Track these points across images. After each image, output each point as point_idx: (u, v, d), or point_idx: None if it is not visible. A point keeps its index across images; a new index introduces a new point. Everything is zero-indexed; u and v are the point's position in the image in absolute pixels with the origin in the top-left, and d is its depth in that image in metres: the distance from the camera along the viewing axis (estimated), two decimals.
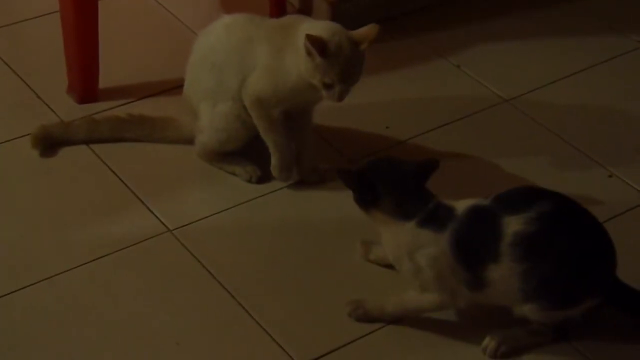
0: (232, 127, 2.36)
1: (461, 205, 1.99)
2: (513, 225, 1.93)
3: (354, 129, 2.58)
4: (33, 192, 2.38)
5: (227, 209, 2.34)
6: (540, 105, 2.69)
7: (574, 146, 2.56)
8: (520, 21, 3.01)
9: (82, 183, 2.40)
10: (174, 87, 2.60)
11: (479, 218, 1.96)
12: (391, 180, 2.01)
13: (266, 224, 2.32)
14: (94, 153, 2.46)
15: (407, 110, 2.67)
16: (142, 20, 2.96)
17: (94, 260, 2.19)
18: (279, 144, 2.35)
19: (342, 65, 2.19)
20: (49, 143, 2.46)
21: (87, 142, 2.48)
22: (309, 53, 2.18)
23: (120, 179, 2.40)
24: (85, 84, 2.61)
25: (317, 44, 2.16)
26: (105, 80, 2.64)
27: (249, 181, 2.41)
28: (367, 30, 2.22)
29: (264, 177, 2.40)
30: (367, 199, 2.02)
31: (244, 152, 2.42)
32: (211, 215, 2.32)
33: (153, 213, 2.32)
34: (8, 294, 2.12)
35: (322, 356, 2.02)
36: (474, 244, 1.95)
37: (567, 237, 1.94)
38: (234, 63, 2.31)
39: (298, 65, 2.22)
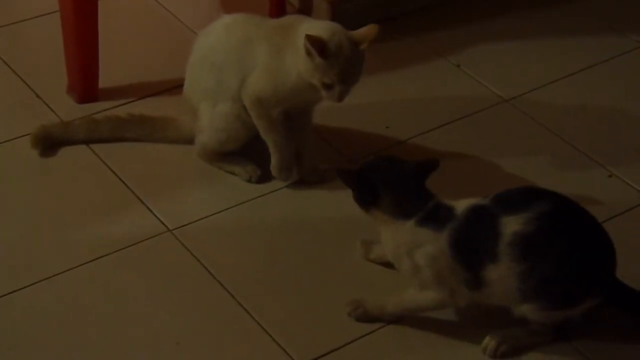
0: (232, 127, 2.36)
1: (460, 205, 1.99)
2: (512, 225, 1.93)
3: (354, 129, 2.58)
4: (33, 192, 2.38)
5: (227, 208, 2.34)
6: (540, 105, 2.70)
7: (573, 146, 2.56)
8: (520, 21, 3.01)
9: (82, 183, 2.40)
10: (174, 87, 2.60)
11: (478, 218, 1.96)
12: (391, 179, 2.01)
13: (266, 224, 2.32)
14: (94, 153, 2.46)
15: (407, 110, 2.67)
16: (142, 20, 2.96)
17: (93, 260, 2.20)
18: (279, 144, 2.35)
19: (341, 66, 2.19)
20: (49, 143, 2.46)
21: (87, 142, 2.48)
22: (308, 53, 2.18)
23: (120, 178, 2.40)
24: (85, 83, 2.61)
25: (316, 44, 2.16)
26: (105, 80, 2.64)
27: (249, 181, 2.41)
28: (367, 30, 2.22)
29: (264, 177, 2.40)
30: (367, 199, 2.02)
31: (243, 152, 2.42)
32: (211, 215, 2.32)
33: (153, 213, 2.32)
34: (8, 293, 2.12)
35: (322, 356, 2.03)
36: (472, 244, 1.95)
37: (566, 237, 1.94)
38: (233, 63, 2.31)
39: (298, 65, 2.22)
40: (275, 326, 2.07)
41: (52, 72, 2.66)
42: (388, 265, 2.12)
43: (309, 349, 2.03)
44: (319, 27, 2.24)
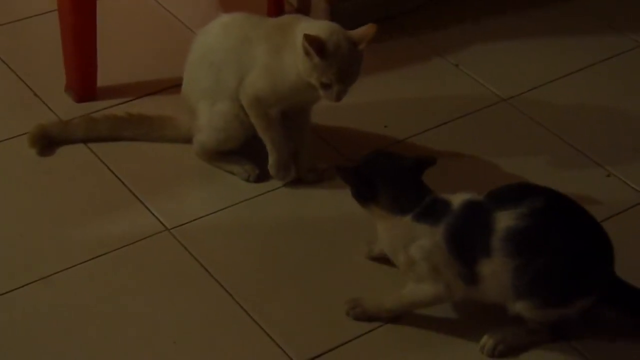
0: (230, 126, 2.36)
1: (457, 199, 1.99)
2: (505, 220, 1.93)
3: (352, 128, 2.57)
4: (31, 191, 2.38)
5: (225, 207, 2.34)
6: (539, 105, 2.69)
7: (572, 145, 2.56)
8: (519, 20, 3.01)
9: (80, 182, 2.40)
10: (173, 86, 2.60)
11: (473, 213, 1.97)
12: (388, 175, 2.01)
13: (264, 223, 2.32)
14: (92, 152, 2.46)
15: (405, 109, 2.67)
16: (141, 19, 2.96)
17: (92, 259, 2.19)
18: (277, 143, 2.35)
19: (340, 65, 2.18)
20: (47, 142, 2.46)
21: (85, 141, 2.48)
22: (307, 53, 2.18)
23: (118, 177, 2.40)
24: (84, 82, 2.61)
25: (315, 44, 2.16)
26: (104, 79, 2.64)
27: (247, 180, 2.41)
28: (365, 30, 2.22)
29: (262, 176, 2.40)
30: (365, 195, 2.02)
31: (242, 151, 2.42)
32: (209, 214, 2.32)
33: (151, 212, 2.32)
34: (6, 292, 2.11)
35: (320, 355, 2.02)
36: (467, 239, 1.96)
37: (559, 234, 1.94)
38: (232, 62, 2.31)
39: (296, 64, 2.22)
40: (273, 325, 2.07)
41: (51, 71, 2.66)
42: (389, 262, 2.12)
43: (307, 348, 2.03)
44: (317, 26, 2.24)
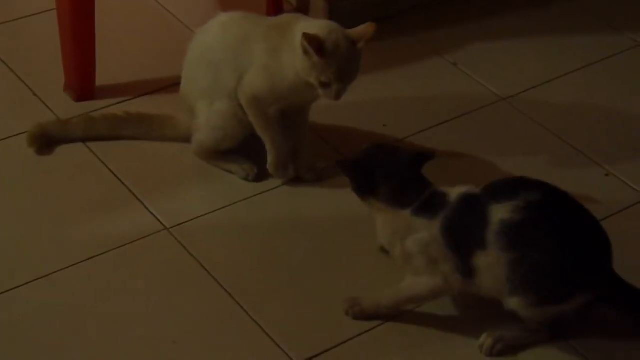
0: (229, 125, 2.36)
1: (454, 192, 1.99)
2: (500, 213, 1.93)
3: (351, 127, 2.57)
4: (30, 191, 2.37)
5: (224, 207, 2.34)
6: (537, 104, 2.69)
7: (570, 145, 2.56)
8: (518, 19, 3.01)
9: (79, 181, 2.40)
10: (171, 85, 2.60)
11: (469, 205, 1.97)
12: (389, 169, 2.01)
13: (263, 222, 2.32)
14: (91, 151, 2.46)
15: (404, 108, 2.67)
16: (139, 18, 2.96)
17: (90, 258, 2.19)
18: (276, 142, 2.35)
19: (339, 64, 2.18)
20: (46, 141, 2.46)
21: (84, 140, 2.48)
22: (305, 52, 2.18)
23: (117, 177, 2.40)
24: (82, 81, 2.61)
25: (314, 43, 2.16)
26: (103, 78, 2.64)
27: (246, 179, 2.41)
28: (364, 29, 2.22)
29: (261, 175, 2.40)
30: (365, 188, 2.02)
31: (240, 150, 2.42)
32: (208, 213, 2.32)
33: (150, 211, 2.31)
34: (5, 291, 2.11)
35: (319, 354, 2.02)
36: (463, 231, 1.96)
37: (555, 228, 1.94)
38: (230, 61, 2.31)
39: (295, 64, 2.22)
40: (272, 325, 2.07)
41: (49, 70, 2.66)
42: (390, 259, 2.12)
43: (306, 347, 2.03)
44: (316, 25, 2.24)
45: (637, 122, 2.67)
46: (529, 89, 2.74)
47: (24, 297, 2.11)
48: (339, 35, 2.20)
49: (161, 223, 2.29)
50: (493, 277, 1.96)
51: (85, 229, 2.27)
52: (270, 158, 2.37)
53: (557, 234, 1.94)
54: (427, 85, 2.75)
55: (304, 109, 2.40)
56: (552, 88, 2.76)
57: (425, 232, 1.97)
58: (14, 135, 2.49)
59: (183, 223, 2.29)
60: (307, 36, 2.15)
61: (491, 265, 1.94)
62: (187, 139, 2.44)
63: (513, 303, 1.97)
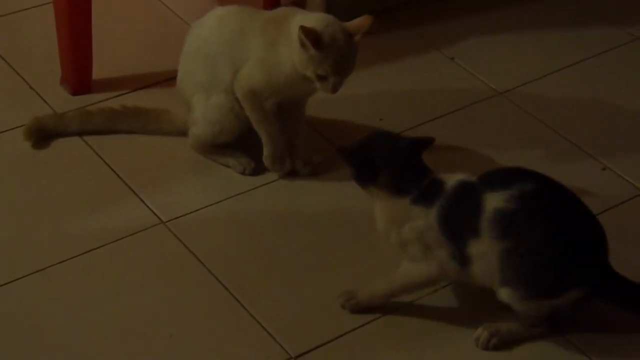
0: (225, 119, 2.36)
1: (452, 179, 1.99)
2: (494, 201, 1.93)
3: (348, 121, 2.57)
4: (26, 184, 2.37)
5: (221, 200, 2.34)
6: (534, 98, 2.69)
7: (567, 139, 2.56)
8: (515, 13, 3.01)
9: (75, 175, 2.40)
10: (168, 79, 2.59)
11: (465, 193, 1.97)
12: (389, 157, 2.01)
13: (260, 216, 2.32)
14: (87, 145, 2.46)
15: (400, 102, 2.67)
16: (136, 12, 2.96)
17: (87, 252, 2.19)
18: (272, 135, 2.35)
19: (335, 57, 2.18)
20: (42, 135, 2.46)
21: (81, 133, 2.48)
22: (302, 45, 2.18)
23: (113, 170, 2.40)
24: (79, 75, 2.60)
25: (310, 36, 2.16)
26: (99, 71, 2.63)
27: (243, 173, 2.41)
28: (360, 22, 2.22)
29: (258, 169, 2.40)
30: (365, 176, 2.02)
31: (237, 144, 2.41)
32: (204, 207, 2.32)
33: (146, 205, 2.31)
34: (2, 285, 2.11)
35: (316, 348, 2.02)
36: (458, 219, 1.96)
37: (548, 219, 1.93)
38: (227, 55, 2.31)
39: (291, 57, 2.22)
40: (269, 318, 2.07)
41: (46, 64, 2.66)
42: (390, 252, 2.12)
43: (303, 340, 2.03)
44: (313, 18, 2.23)
45: (634, 116, 2.67)
46: (526, 83, 2.74)
47: (20, 291, 2.11)
48: (336, 28, 2.20)
49: (158, 217, 2.28)
50: (486, 265, 1.95)
51: (81, 223, 2.27)
52: (266, 152, 2.37)
53: (551, 226, 1.93)
54: (424, 79, 2.75)
55: (300, 103, 2.40)
56: (549, 82, 2.76)
57: (421, 220, 1.97)
58: (10, 129, 2.49)
59: (179, 217, 2.29)
60: (304, 29, 2.15)
61: (484, 254, 1.94)
62: (183, 133, 2.44)
63: (504, 294, 1.97)
